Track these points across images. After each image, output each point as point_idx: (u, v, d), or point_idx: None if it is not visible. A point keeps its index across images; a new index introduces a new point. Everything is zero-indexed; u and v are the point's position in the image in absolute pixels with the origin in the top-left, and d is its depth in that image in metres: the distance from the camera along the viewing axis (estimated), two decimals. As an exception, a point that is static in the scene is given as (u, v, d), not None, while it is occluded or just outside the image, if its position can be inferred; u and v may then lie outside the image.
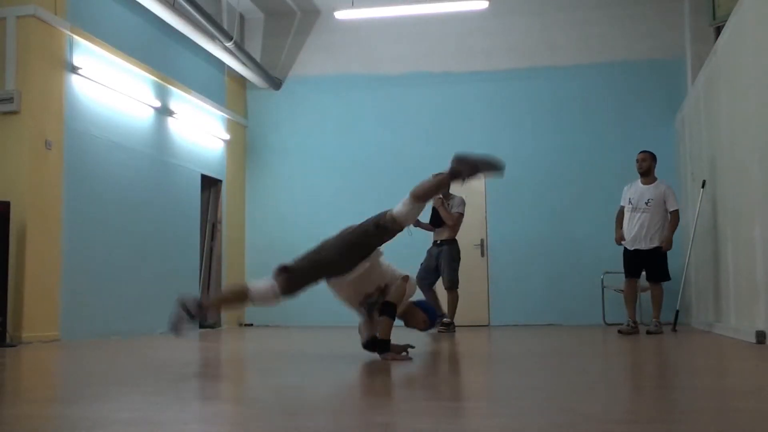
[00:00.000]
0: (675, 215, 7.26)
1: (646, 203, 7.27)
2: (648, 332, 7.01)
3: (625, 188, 7.55)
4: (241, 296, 4.44)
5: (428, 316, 4.71)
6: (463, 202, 8.26)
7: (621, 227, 7.46)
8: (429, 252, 8.29)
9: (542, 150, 10.39)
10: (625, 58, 10.32)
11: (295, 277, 4.30)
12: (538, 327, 9.46)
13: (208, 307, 4.62)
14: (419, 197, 4.37)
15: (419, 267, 8.22)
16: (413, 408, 2.81)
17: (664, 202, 7.26)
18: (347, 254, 4.35)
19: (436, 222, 8.19)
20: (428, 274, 8.22)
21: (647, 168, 7.37)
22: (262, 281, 4.33)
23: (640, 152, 7.49)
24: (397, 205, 4.39)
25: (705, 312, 8.06)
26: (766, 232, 5.37)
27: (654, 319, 7.18)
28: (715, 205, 7.22)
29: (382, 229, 4.38)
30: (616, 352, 5.43)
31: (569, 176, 10.24)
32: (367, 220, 4.50)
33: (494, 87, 10.63)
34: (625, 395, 3.13)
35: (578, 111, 10.39)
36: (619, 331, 7.07)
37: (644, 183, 7.40)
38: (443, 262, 8.16)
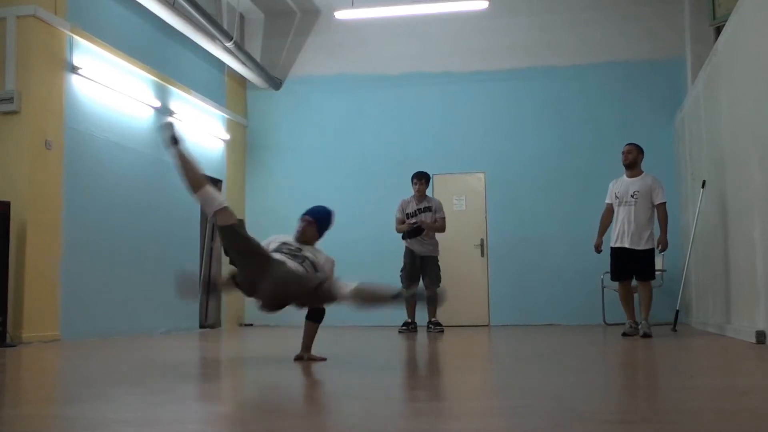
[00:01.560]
0: (663, 209, 6.89)
1: (632, 195, 6.93)
2: (643, 335, 6.62)
3: (611, 184, 7.23)
4: (198, 180, 4.46)
5: None
6: (441, 205, 8.52)
7: (603, 232, 7.19)
8: (413, 257, 8.29)
9: (542, 150, 10.39)
10: (625, 59, 10.32)
11: (232, 227, 4.36)
12: (538, 327, 9.46)
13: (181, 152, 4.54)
14: (359, 303, 4.33)
15: (401, 273, 8.28)
16: (413, 408, 2.81)
17: (651, 195, 6.92)
18: (278, 287, 4.24)
19: (411, 233, 8.26)
20: (414, 280, 8.29)
21: (633, 160, 7.04)
22: (219, 195, 4.55)
23: (627, 144, 7.21)
24: (343, 287, 4.24)
25: (705, 312, 8.06)
26: (766, 232, 5.37)
27: (644, 321, 6.75)
28: (715, 205, 7.21)
29: (318, 293, 4.24)
30: (615, 352, 5.44)
31: (569, 176, 10.24)
32: (307, 276, 4.37)
33: (494, 87, 10.63)
34: (624, 395, 3.13)
35: (578, 111, 10.39)
36: (624, 334, 6.78)
37: (630, 176, 7.07)
38: (430, 263, 8.28)
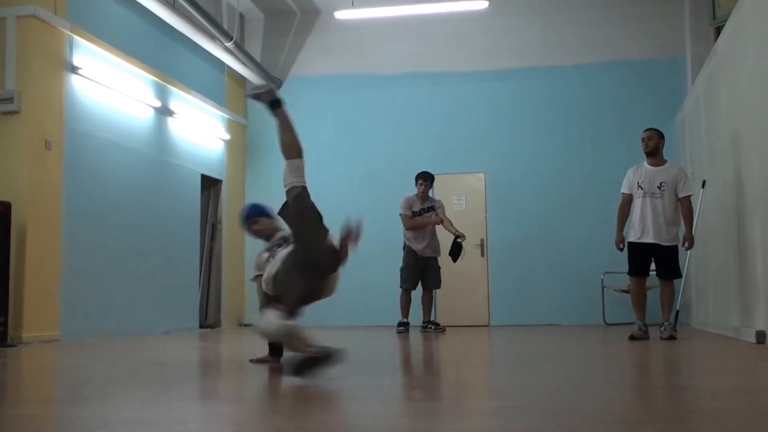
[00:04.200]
0: (688, 203, 6.32)
1: (659, 187, 6.32)
2: (667, 338, 6.20)
3: (630, 172, 6.58)
4: (298, 149, 4.27)
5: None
6: (443, 205, 8.52)
7: (623, 226, 6.55)
8: (415, 257, 8.24)
9: (542, 150, 10.39)
10: (625, 58, 10.32)
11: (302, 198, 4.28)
12: (538, 327, 9.46)
13: (282, 115, 4.39)
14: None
15: (401, 271, 8.23)
16: (413, 408, 2.81)
17: (676, 187, 6.32)
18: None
19: (454, 253, 8.15)
20: (415, 280, 8.25)
21: (654, 147, 6.41)
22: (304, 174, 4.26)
23: (646, 130, 6.56)
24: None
25: (705, 312, 8.06)
26: (766, 232, 5.37)
27: (667, 323, 6.29)
28: (715, 205, 7.21)
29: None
30: (616, 352, 5.43)
31: (569, 176, 10.24)
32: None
33: (494, 87, 10.63)
34: (625, 395, 3.13)
35: (578, 111, 10.39)
36: (631, 337, 6.27)
37: (653, 165, 6.44)
38: (432, 267, 8.28)
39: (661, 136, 6.52)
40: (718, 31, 7.69)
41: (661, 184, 6.35)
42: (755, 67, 5.66)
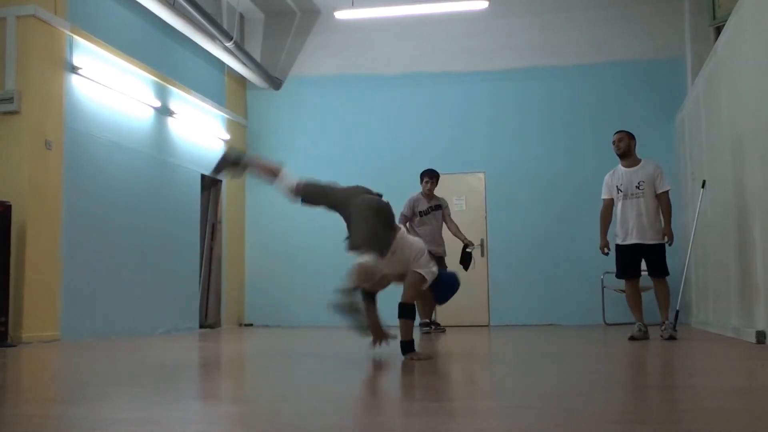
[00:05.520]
0: (666, 198, 6.37)
1: (638, 186, 6.37)
2: (668, 338, 6.21)
3: (606, 177, 6.66)
4: (273, 171, 4.84)
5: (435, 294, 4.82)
6: (447, 203, 8.45)
7: (606, 230, 6.65)
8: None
9: (542, 150, 10.39)
10: (625, 58, 10.32)
11: (308, 194, 4.89)
12: (538, 327, 9.46)
13: (247, 164, 4.96)
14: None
15: None
16: (413, 408, 2.81)
17: (654, 184, 6.37)
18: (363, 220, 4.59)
19: (465, 261, 8.11)
20: None
21: (626, 148, 6.48)
22: (292, 176, 4.83)
23: (616, 132, 6.63)
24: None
25: (705, 312, 8.06)
26: (766, 232, 5.37)
27: (667, 322, 6.30)
28: (715, 205, 7.21)
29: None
30: (615, 352, 5.44)
31: (569, 176, 10.24)
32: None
33: (494, 87, 10.63)
34: (625, 395, 3.13)
35: (578, 111, 10.39)
36: (631, 338, 6.27)
37: (627, 166, 6.50)
38: (441, 266, 8.22)
39: (631, 137, 6.60)
40: (718, 31, 7.69)
41: (639, 183, 6.44)
42: (755, 67, 5.66)
